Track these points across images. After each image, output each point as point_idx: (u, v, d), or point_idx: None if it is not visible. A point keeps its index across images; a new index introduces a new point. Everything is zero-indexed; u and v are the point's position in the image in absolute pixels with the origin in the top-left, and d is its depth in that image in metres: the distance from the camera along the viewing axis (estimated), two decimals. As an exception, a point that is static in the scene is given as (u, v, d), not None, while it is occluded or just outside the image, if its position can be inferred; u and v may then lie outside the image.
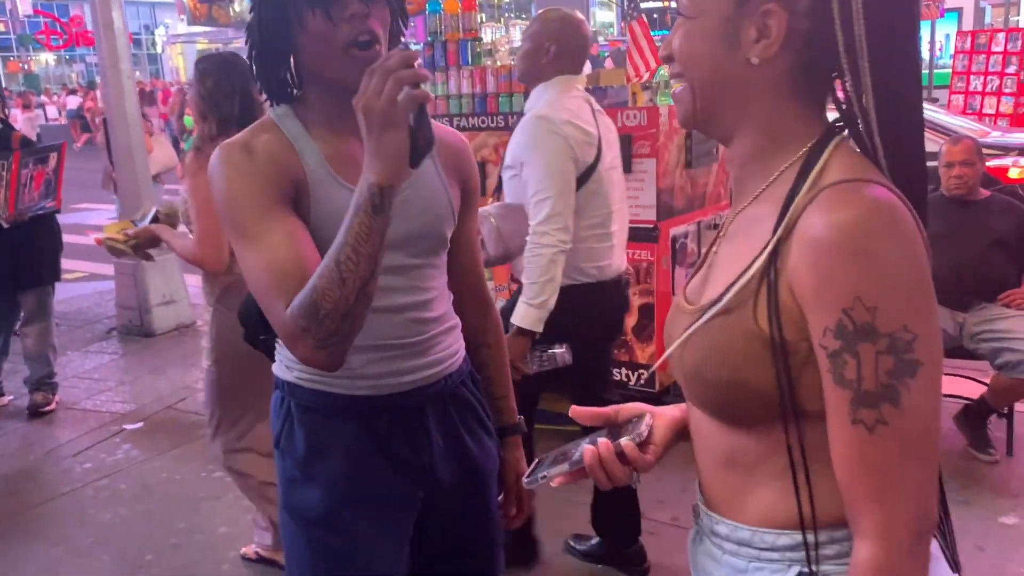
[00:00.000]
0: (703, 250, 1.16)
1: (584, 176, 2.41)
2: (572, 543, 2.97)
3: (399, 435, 1.44)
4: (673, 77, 1.01)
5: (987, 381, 3.49)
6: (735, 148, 1.00)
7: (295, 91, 1.40)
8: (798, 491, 0.92)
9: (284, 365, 1.47)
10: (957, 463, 3.41)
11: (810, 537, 0.92)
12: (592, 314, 2.51)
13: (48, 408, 4.45)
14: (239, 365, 2.53)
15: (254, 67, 1.39)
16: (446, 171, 1.47)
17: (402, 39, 1.37)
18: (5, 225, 4.04)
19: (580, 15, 2.54)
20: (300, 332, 1.19)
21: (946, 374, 3.51)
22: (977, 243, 3.51)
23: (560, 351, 2.41)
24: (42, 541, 3.19)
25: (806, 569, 0.93)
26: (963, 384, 3.78)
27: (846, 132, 0.96)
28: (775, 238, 0.89)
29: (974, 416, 3.52)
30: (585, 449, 1.05)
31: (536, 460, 1.13)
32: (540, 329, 2.35)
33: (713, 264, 1.03)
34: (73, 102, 20.34)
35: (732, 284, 0.93)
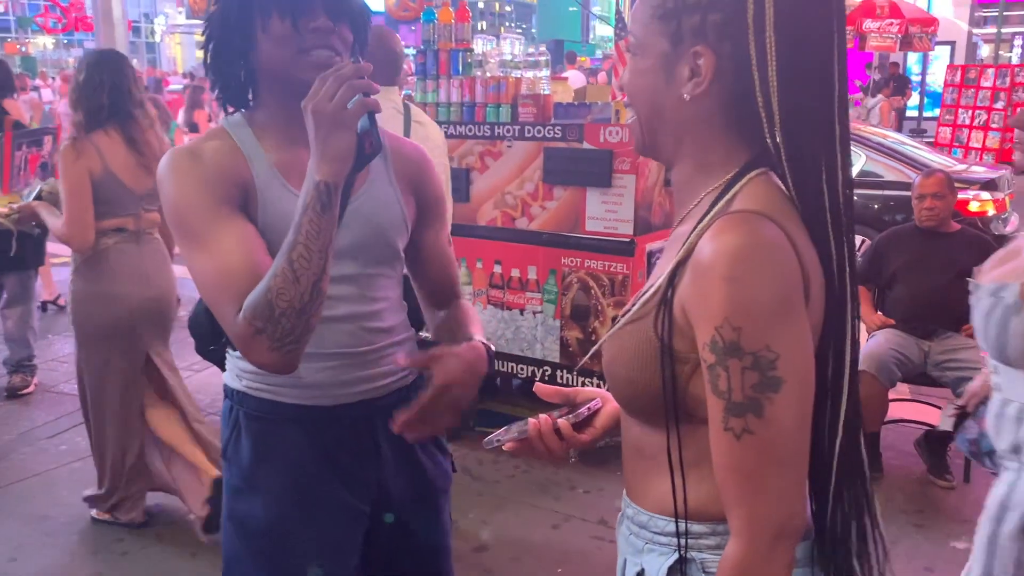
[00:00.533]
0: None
1: None
2: None
3: (346, 446, 1.44)
4: (627, 107, 1.10)
5: (948, 409, 3.58)
6: (675, 173, 1.09)
7: (250, 96, 1.40)
8: (673, 484, 1.02)
9: (234, 374, 1.46)
10: (915, 487, 3.50)
11: (682, 526, 1.02)
12: None
13: (26, 390, 4.48)
14: (94, 330, 2.97)
15: (209, 60, 1.38)
16: (400, 182, 1.48)
17: (356, 55, 1.39)
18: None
19: (390, 29, 2.84)
20: (255, 334, 1.20)
21: (909, 400, 3.59)
22: (944, 274, 3.60)
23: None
24: (15, 519, 3.23)
25: (689, 555, 1.02)
26: (925, 410, 3.88)
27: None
28: (676, 259, 0.98)
29: (935, 442, 3.60)
30: (530, 422, 1.18)
31: (504, 427, 1.22)
32: None
33: (653, 274, 1.12)
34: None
35: (640, 296, 1.04)
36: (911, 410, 3.93)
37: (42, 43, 35.13)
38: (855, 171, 6.55)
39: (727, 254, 0.91)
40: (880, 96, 13.71)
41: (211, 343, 1.50)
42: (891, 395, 3.83)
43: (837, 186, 0.98)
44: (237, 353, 1.40)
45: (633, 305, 1.05)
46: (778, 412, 0.91)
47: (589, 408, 1.18)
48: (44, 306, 5.90)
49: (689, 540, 1.02)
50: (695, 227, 0.98)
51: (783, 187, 1.00)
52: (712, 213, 0.97)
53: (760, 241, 0.92)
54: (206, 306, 1.39)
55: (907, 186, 6.05)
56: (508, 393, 4.06)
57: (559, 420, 1.16)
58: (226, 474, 1.48)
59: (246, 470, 1.43)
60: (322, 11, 1.30)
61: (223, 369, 1.52)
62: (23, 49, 33.00)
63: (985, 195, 6.00)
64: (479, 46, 3.72)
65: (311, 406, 1.41)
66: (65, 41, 34.89)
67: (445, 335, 1.53)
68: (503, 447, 1.18)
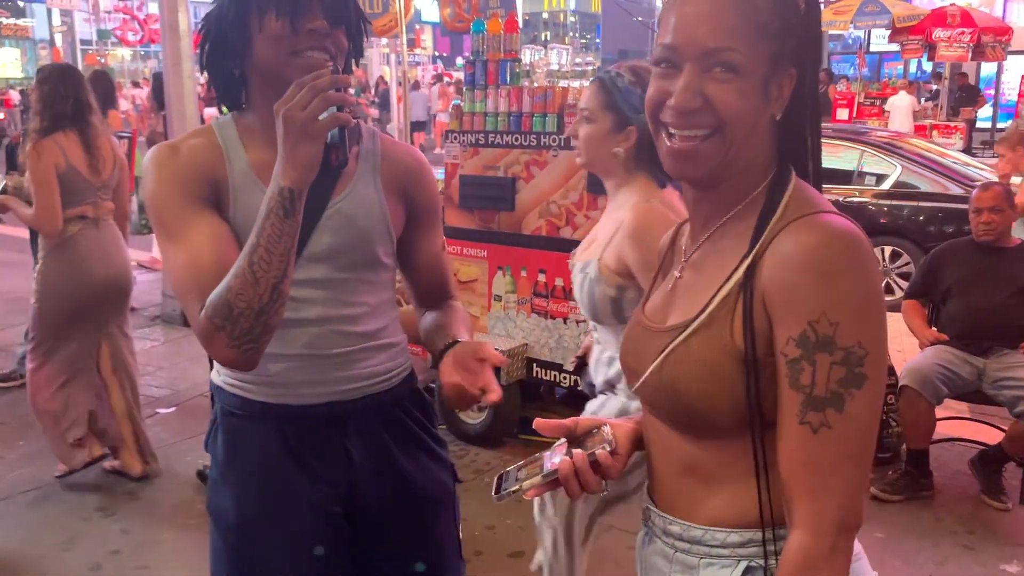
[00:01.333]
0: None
1: None
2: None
3: (312, 446, 1.43)
4: (693, 129, 1.00)
5: (1005, 428, 3.47)
6: (714, 191, 1.06)
7: (244, 96, 1.41)
8: (760, 494, 1.01)
9: (216, 369, 1.49)
10: (967, 508, 3.39)
11: (768, 533, 1.01)
12: None
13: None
14: (57, 306, 3.39)
15: (205, 59, 1.39)
16: (388, 189, 1.46)
17: (333, 64, 1.36)
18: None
19: None
20: (215, 331, 1.22)
21: (963, 418, 3.51)
22: (1003, 290, 3.50)
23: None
24: (68, 510, 3.37)
25: (754, 563, 1.02)
26: (981, 429, 3.76)
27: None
28: (750, 258, 0.99)
29: (989, 462, 3.50)
30: (563, 461, 1.09)
31: (500, 474, 1.17)
32: None
33: (677, 288, 1.11)
34: (140, 95, 20.99)
35: (710, 302, 1.01)
36: (968, 429, 3.81)
37: (120, 55, 36.40)
38: (890, 182, 6.47)
39: (821, 250, 0.94)
40: (903, 94, 13.07)
41: None
42: (947, 413, 3.73)
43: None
44: None
45: (683, 322, 1.03)
46: (858, 408, 0.93)
47: (613, 435, 1.12)
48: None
49: (770, 547, 1.02)
50: (756, 231, 1.00)
51: None
52: (778, 215, 1.00)
53: (854, 239, 0.95)
54: None
55: (943, 197, 6.12)
56: (551, 401, 4.07)
57: (599, 452, 1.08)
58: (210, 467, 1.52)
59: (221, 464, 1.46)
60: (320, 13, 1.30)
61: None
62: (103, 61, 34.27)
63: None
64: (527, 56, 3.75)
65: (278, 404, 1.42)
66: (142, 53, 36.08)
67: (432, 336, 1.52)
68: (524, 496, 1.09)
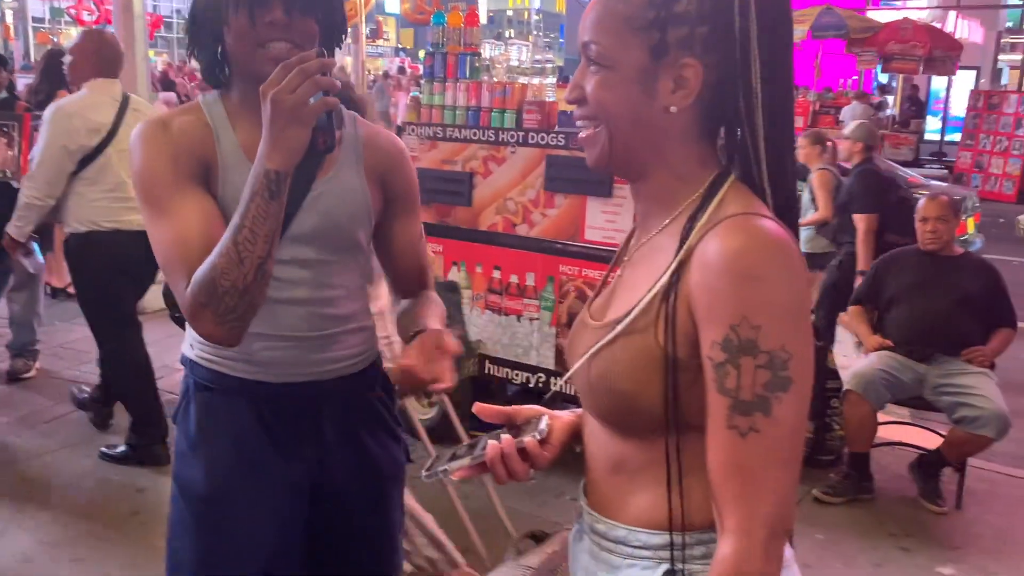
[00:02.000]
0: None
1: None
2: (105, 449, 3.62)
3: (287, 422, 1.46)
4: (581, 119, 1.05)
5: (944, 433, 3.55)
6: (643, 185, 1.07)
7: (226, 75, 1.43)
8: (670, 495, 1.01)
9: (189, 343, 1.51)
10: (906, 511, 3.47)
11: (678, 538, 1.01)
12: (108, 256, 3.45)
13: (28, 375, 4.53)
14: None
15: (188, 40, 1.42)
16: (370, 174, 1.49)
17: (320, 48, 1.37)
18: (16, 184, 4.12)
19: (111, 32, 3.32)
20: (200, 308, 1.25)
21: (904, 423, 3.58)
22: (946, 298, 3.58)
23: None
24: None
25: (678, 567, 1.01)
26: (923, 434, 3.84)
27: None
28: (676, 261, 0.98)
29: (928, 467, 3.58)
30: (489, 444, 1.10)
31: (434, 455, 1.18)
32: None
33: (617, 287, 1.11)
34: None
35: (637, 304, 1.01)
36: (909, 433, 3.90)
37: (73, 34, 35.51)
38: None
39: (742, 253, 0.92)
40: (855, 103, 12.54)
41: (178, 310, 1.55)
42: (889, 418, 3.81)
43: (795, 189, 1.04)
44: None
45: (616, 320, 1.03)
46: (785, 412, 0.92)
47: (547, 425, 1.13)
48: (54, 292, 5.96)
49: (681, 551, 1.01)
50: (683, 235, 0.98)
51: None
52: (706, 217, 0.98)
53: (777, 241, 0.94)
54: None
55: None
56: (503, 398, 4.06)
57: (527, 440, 1.09)
58: (176, 438, 1.52)
59: (191, 436, 1.47)
60: (280, 5, 1.31)
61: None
62: (55, 40, 33.41)
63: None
64: (487, 51, 3.73)
65: (257, 381, 1.44)
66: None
67: (404, 323, 1.57)
68: (451, 476, 1.10)
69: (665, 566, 1.02)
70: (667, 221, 1.05)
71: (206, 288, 1.23)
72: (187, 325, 1.51)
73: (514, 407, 1.18)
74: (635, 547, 1.04)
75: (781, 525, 0.94)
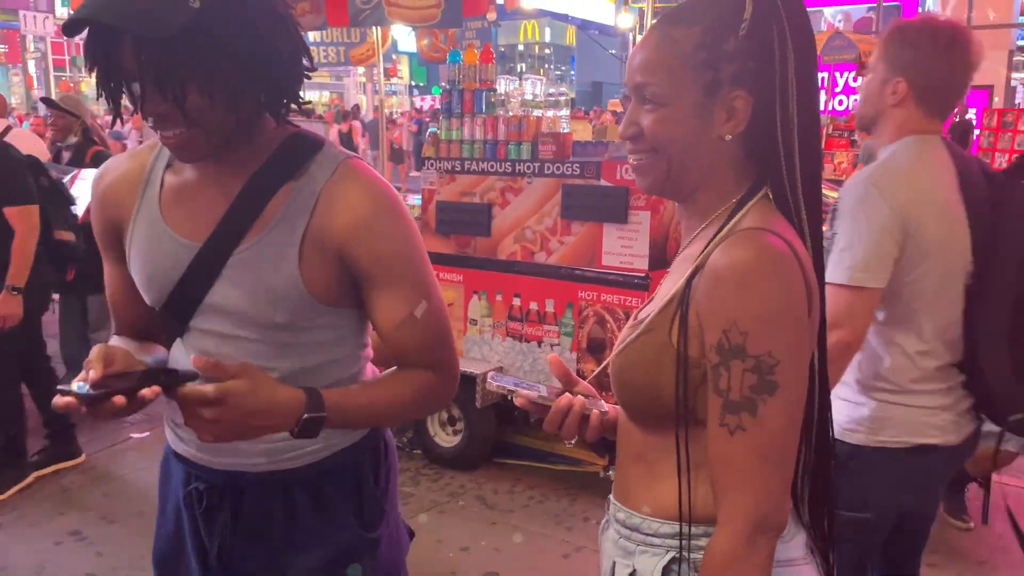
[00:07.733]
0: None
1: None
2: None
3: (209, 504, 1.40)
4: (637, 152, 1.14)
5: (967, 449, 3.55)
6: (691, 204, 1.16)
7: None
8: (680, 485, 1.08)
9: None
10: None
11: (685, 528, 1.08)
12: None
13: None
14: None
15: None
16: (315, 249, 1.26)
17: (173, 370, 1.26)
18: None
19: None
20: None
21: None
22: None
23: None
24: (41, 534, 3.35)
25: (680, 555, 1.09)
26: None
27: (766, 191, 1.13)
28: (692, 268, 1.07)
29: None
30: (566, 395, 1.21)
31: (521, 383, 1.25)
32: None
33: (656, 292, 1.21)
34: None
35: (640, 310, 1.13)
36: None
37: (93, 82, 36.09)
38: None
39: (740, 264, 1.01)
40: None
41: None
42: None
43: (820, 209, 1.12)
44: None
45: (643, 320, 1.12)
46: (771, 413, 1.00)
47: (607, 406, 1.24)
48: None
49: (687, 541, 1.09)
50: (707, 244, 1.07)
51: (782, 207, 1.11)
52: (724, 231, 1.07)
53: (771, 255, 1.01)
54: None
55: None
56: (525, 424, 4.11)
57: (594, 411, 1.20)
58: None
59: (158, 487, 1.55)
60: (146, 92, 1.17)
61: None
62: (74, 86, 34.08)
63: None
64: (502, 86, 3.84)
65: (186, 458, 1.44)
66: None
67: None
68: (514, 397, 1.22)
69: (672, 554, 1.10)
70: (695, 232, 1.15)
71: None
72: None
73: (576, 377, 1.28)
74: (647, 535, 1.13)
75: (769, 520, 1.02)
